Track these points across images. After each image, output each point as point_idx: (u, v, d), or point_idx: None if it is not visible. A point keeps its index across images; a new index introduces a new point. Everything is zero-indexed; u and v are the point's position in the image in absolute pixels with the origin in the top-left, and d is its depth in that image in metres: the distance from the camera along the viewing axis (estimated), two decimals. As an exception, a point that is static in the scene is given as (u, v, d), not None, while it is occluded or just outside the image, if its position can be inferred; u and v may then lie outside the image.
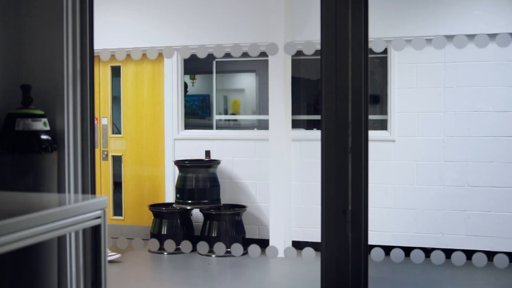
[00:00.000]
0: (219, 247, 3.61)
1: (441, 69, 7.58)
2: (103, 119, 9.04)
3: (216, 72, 9.06)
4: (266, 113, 8.20)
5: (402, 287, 6.46)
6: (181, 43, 8.20)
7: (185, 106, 8.91)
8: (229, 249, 7.44)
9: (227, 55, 3.90)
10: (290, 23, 7.86)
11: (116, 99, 9.11)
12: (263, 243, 7.79)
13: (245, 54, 3.97)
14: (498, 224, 7.39)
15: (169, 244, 4.54)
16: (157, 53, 4.03)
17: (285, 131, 7.82)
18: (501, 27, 7.09)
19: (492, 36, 3.07)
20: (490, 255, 3.19)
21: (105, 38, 8.22)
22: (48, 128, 3.45)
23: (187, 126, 8.82)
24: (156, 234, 7.98)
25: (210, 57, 8.56)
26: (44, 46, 3.52)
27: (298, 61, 8.18)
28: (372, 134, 7.80)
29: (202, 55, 3.63)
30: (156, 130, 8.82)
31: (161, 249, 7.81)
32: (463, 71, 7.51)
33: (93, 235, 2.69)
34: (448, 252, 3.31)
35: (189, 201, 7.99)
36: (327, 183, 3.15)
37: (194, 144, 8.57)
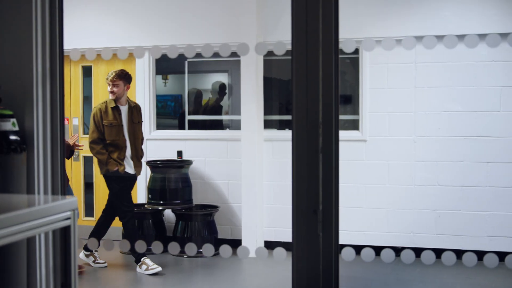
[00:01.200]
0: (190, 247, 3.61)
1: (412, 70, 7.65)
2: (74, 119, 8.97)
3: (188, 72, 9.04)
4: (239, 113, 8.21)
5: (372, 286, 6.50)
6: (153, 43, 8.16)
7: (157, 107, 8.88)
8: (201, 250, 7.44)
9: (200, 55, 3.89)
10: (262, 23, 7.87)
11: (87, 99, 9.04)
12: (236, 243, 7.79)
13: (217, 54, 3.97)
14: (468, 223, 7.48)
15: (140, 245, 4.51)
16: (127, 53, 4.01)
17: (257, 131, 7.82)
18: (469, 28, 7.18)
19: (461, 37, 3.10)
20: (460, 253, 3.22)
21: (76, 38, 8.15)
22: (17, 128, 3.42)
23: (159, 126, 8.79)
24: (128, 235, 7.94)
25: (183, 57, 8.54)
26: (13, 45, 3.48)
27: (270, 61, 8.19)
28: (343, 134, 7.85)
29: (173, 55, 3.62)
30: (127, 130, 8.77)
31: (131, 249, 7.77)
32: (434, 71, 7.58)
33: (63, 236, 2.67)
34: (418, 251, 3.34)
35: (161, 202, 7.96)
36: (298, 183, 3.16)
37: (166, 145, 8.54)
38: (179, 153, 8.32)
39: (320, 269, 3.19)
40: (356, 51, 7.84)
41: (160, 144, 8.57)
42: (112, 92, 7.06)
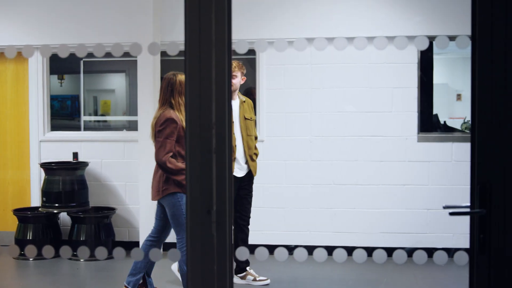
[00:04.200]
0: (83, 250, 3.53)
1: (308, 71, 7.80)
2: (-37, 120, 8.63)
3: (84, 72, 8.86)
4: (136, 114, 8.11)
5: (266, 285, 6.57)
6: (50, 41, 7.95)
7: (53, 107, 8.67)
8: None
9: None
10: (160, 23, 7.81)
11: (-22, 99, 8.71)
12: (134, 246, 7.69)
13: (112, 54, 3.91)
14: (362, 220, 7.70)
15: (30, 250, 4.31)
16: (15, 52, 3.89)
17: (155, 132, 7.75)
18: (359, 31, 7.40)
19: (350, 39, 3.18)
20: (353, 250, 3.30)
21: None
22: None
23: (55, 128, 8.58)
24: (20, 239, 7.71)
25: (78, 56, 8.37)
26: None
27: (168, 61, 8.14)
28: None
29: (63, 54, 3.53)
30: (20, 131, 8.51)
31: (23, 255, 7.53)
32: (328, 73, 7.76)
33: None
34: (312, 249, 3.40)
35: (56, 205, 7.77)
36: (192, 184, 3.16)
37: (62, 146, 8.34)
38: (75, 155, 8.14)
39: (214, 269, 3.20)
40: (254, 52, 7.92)
41: (55, 145, 8.36)
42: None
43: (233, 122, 6.30)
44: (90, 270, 7.20)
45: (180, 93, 5.58)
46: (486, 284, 2.68)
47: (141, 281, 5.85)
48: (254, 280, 6.50)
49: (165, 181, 5.48)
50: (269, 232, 7.83)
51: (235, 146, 6.36)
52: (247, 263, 6.60)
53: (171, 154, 5.43)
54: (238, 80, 6.37)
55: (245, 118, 6.47)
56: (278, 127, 7.84)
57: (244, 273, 6.58)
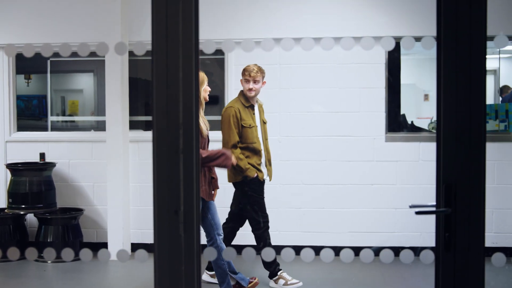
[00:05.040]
0: (49, 252, 3.49)
1: (276, 71, 7.80)
2: None
3: (51, 72, 8.77)
4: (104, 114, 8.05)
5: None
6: (15, 40, 7.87)
7: (20, 107, 8.57)
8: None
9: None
10: (127, 23, 7.76)
11: None
12: (102, 247, 7.65)
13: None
14: (330, 220, 7.73)
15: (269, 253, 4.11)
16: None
17: (123, 132, 7.70)
18: (326, 31, 7.43)
19: (318, 39, 3.19)
20: (320, 250, 3.31)
21: None
22: None
23: (22, 128, 8.48)
24: (-14, 241, 7.61)
25: (44, 56, 8.29)
26: None
27: (136, 61, 8.10)
28: (212, 134, 7.88)
29: (28, 54, 3.49)
30: (-14, 132, 8.39)
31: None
32: (297, 73, 7.78)
33: None
34: (280, 248, 3.41)
35: (23, 206, 7.68)
36: (159, 184, 3.14)
37: (28, 147, 8.24)
38: (42, 155, 8.06)
39: (182, 270, 3.19)
40: (222, 52, 7.91)
41: (21, 146, 8.26)
42: (251, 89, 6.27)
43: (256, 126, 6.33)
44: (57, 272, 7.13)
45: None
46: (451, 281, 2.71)
47: (233, 283, 5.93)
48: (286, 284, 6.37)
49: None
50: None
51: (261, 150, 6.36)
52: (278, 267, 6.45)
53: None
54: (259, 85, 6.36)
55: (264, 123, 6.50)
56: (247, 127, 7.83)
57: (277, 277, 6.43)
